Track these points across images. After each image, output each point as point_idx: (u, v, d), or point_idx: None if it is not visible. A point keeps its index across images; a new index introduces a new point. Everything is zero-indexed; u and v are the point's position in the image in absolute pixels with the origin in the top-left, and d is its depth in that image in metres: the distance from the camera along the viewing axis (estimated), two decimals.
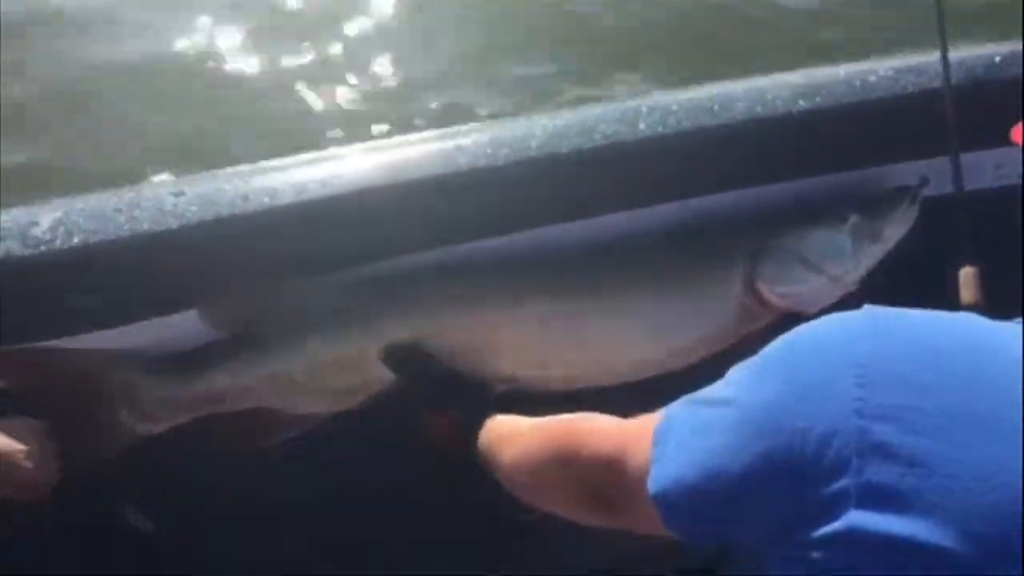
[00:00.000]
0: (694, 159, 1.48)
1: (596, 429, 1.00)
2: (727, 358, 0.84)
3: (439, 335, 1.37)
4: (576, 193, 1.46)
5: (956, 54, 1.51)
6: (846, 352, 0.71)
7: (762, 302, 1.44)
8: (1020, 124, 1.09)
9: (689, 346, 1.45)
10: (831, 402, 0.69)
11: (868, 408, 0.67)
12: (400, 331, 1.37)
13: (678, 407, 0.86)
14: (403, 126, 2.81)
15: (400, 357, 1.36)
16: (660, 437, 0.86)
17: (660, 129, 1.47)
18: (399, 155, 1.43)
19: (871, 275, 1.45)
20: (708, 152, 1.48)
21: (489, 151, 1.41)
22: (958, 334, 0.73)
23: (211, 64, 3.22)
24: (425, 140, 1.46)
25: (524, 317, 1.40)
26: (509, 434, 1.19)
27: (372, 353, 1.36)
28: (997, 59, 1.55)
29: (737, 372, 0.82)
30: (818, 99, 1.50)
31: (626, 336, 1.43)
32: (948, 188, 1.42)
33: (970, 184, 1.42)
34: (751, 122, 1.48)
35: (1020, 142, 1.06)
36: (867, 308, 0.75)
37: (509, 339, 1.40)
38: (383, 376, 1.37)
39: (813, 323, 0.79)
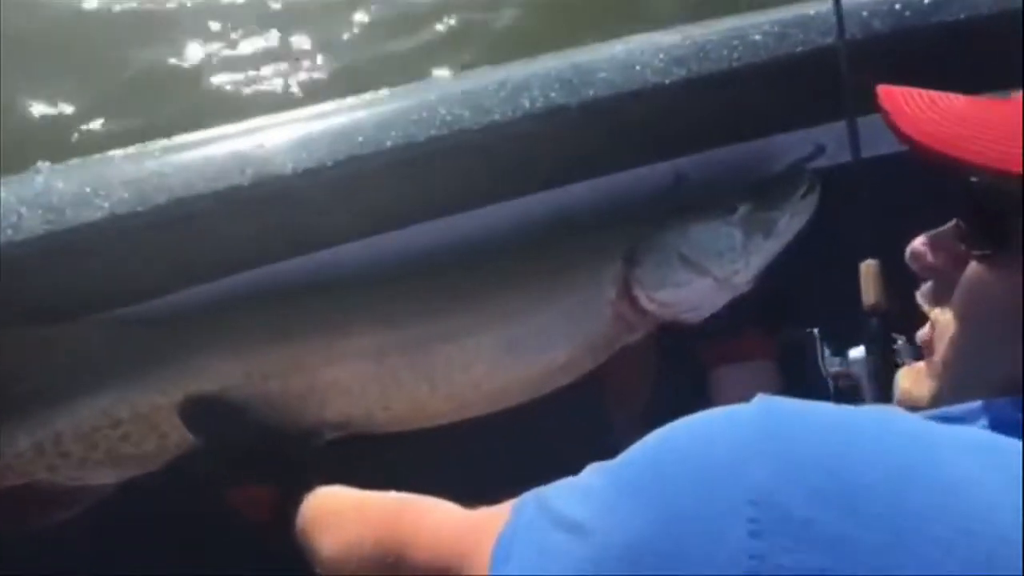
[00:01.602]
0: (552, 143, 1.24)
1: (427, 526, 0.78)
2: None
3: (248, 382, 1.11)
4: (410, 191, 1.20)
5: (851, 1, 1.30)
6: (735, 480, 0.51)
7: (639, 310, 1.23)
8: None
9: (556, 367, 1.23)
10: (716, 554, 0.49)
11: (765, 568, 0.48)
12: (197, 380, 1.10)
13: (528, 510, 0.64)
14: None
15: (198, 413, 1.09)
16: (501, 553, 0.64)
17: (511, 110, 1.22)
18: (174, 161, 1.14)
19: (765, 273, 1.23)
20: (568, 134, 1.24)
21: (297, 151, 1.14)
22: (881, 451, 0.52)
23: None
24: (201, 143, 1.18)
25: (355, 350, 1.15)
26: (329, 517, 0.94)
27: (164, 410, 1.09)
28: (897, 6, 1.33)
29: (597, 478, 0.60)
30: (692, 64, 1.27)
31: (480, 361, 1.19)
32: (846, 156, 1.23)
33: (869, 151, 1.20)
34: (616, 96, 1.24)
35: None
36: (760, 404, 0.57)
37: (338, 379, 1.15)
38: (182, 437, 1.10)
39: (690, 424, 0.58)
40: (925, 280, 0.70)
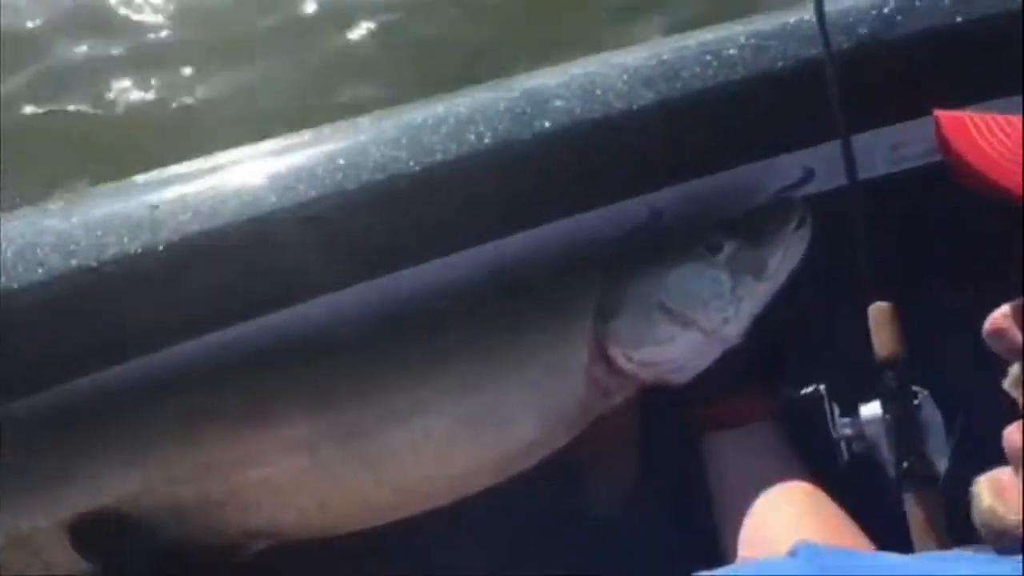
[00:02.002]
0: (504, 184, 1.07)
1: None
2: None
3: (150, 491, 0.92)
4: (339, 249, 1.02)
5: (833, 7, 1.15)
6: None
7: (617, 372, 1.06)
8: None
9: (522, 445, 1.05)
10: None
11: None
12: (85, 493, 0.91)
13: None
14: None
15: (90, 534, 0.90)
16: None
17: (455, 148, 1.05)
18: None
19: (759, 322, 1.06)
20: (522, 172, 1.07)
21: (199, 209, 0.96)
22: None
23: None
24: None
25: (281, 442, 0.97)
26: None
27: (47, 533, 0.90)
28: (886, 9, 1.18)
29: None
30: (661, 85, 1.10)
31: (432, 445, 1.02)
32: (837, 181, 1.10)
33: (865, 172, 1.07)
34: (575, 126, 1.07)
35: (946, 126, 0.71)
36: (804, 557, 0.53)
37: (262, 478, 0.96)
38: (72, 564, 0.91)
39: None
40: (1010, 362, 0.53)
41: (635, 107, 1.09)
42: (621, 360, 1.04)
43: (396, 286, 1.04)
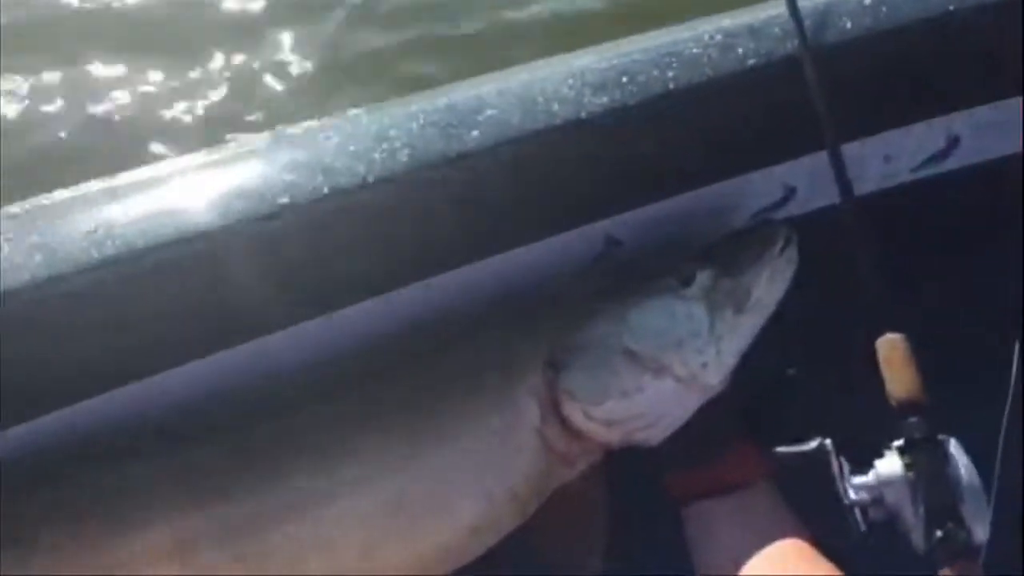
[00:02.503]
0: (426, 210, 0.89)
1: None
2: None
3: None
4: (227, 295, 0.83)
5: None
6: None
7: (574, 433, 0.87)
8: None
9: (464, 529, 0.85)
10: None
11: None
12: None
13: None
14: None
15: None
16: None
17: (364, 170, 0.87)
18: None
19: (744, 364, 0.87)
20: (449, 196, 0.89)
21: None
22: None
23: None
24: None
25: (147, 549, 0.76)
26: None
27: None
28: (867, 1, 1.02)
29: None
30: (614, 91, 0.93)
31: (350, 537, 0.81)
32: (821, 199, 1.02)
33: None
34: (518, 140, 0.90)
35: None
36: None
37: None
38: None
39: None
40: None
41: (584, 116, 0.91)
42: (579, 419, 0.85)
43: (293, 341, 0.85)
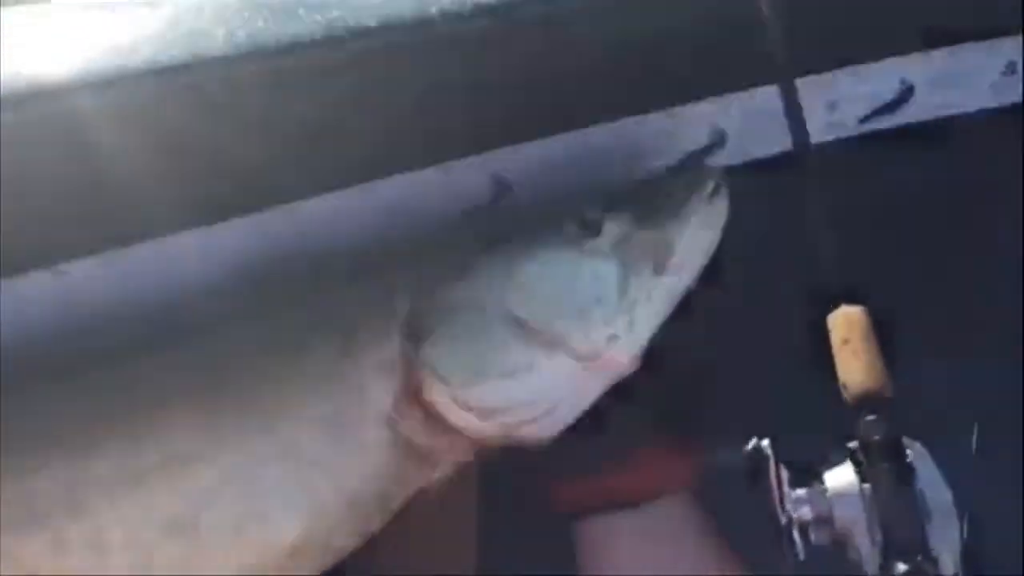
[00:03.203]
0: (258, 111, 0.68)
1: None
2: None
3: None
4: None
5: None
6: None
7: (440, 424, 0.67)
8: None
9: (286, 547, 0.65)
10: None
11: None
12: None
13: None
14: None
15: None
16: None
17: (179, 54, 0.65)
18: None
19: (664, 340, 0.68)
20: (291, 96, 0.69)
21: None
22: None
23: None
24: None
25: None
26: None
27: None
28: None
29: None
30: None
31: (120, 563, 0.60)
32: (757, 148, 0.86)
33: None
34: (370, 34, 0.68)
35: None
36: None
37: None
38: None
39: None
40: None
41: (464, 13, 0.71)
42: (446, 405, 0.66)
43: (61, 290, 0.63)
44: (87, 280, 0.66)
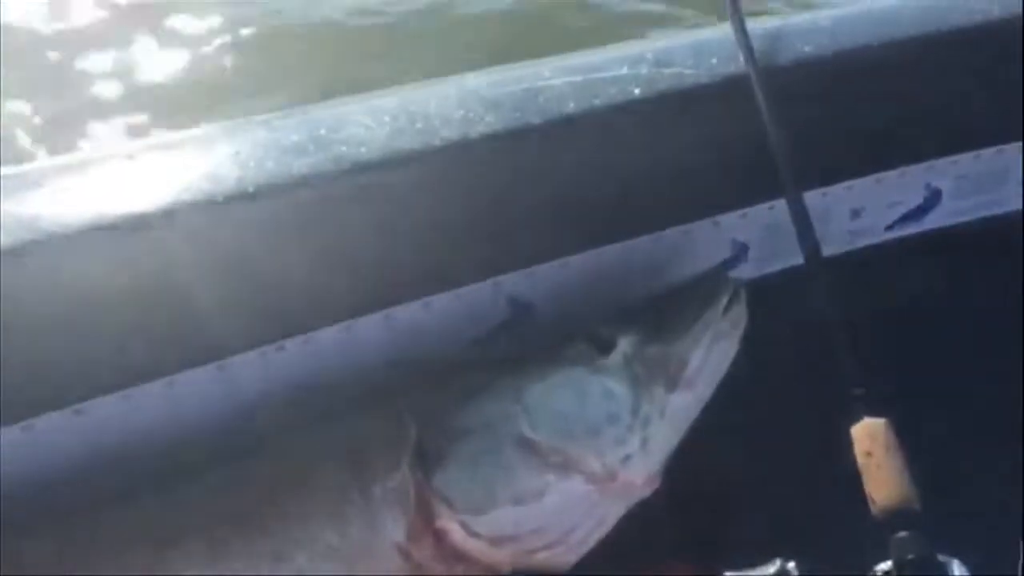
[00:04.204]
0: (271, 252, 0.69)
1: None
2: None
3: None
4: None
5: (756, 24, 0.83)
6: None
7: (452, 552, 0.64)
8: None
9: None
10: None
11: None
12: None
13: None
14: None
15: None
16: None
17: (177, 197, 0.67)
18: None
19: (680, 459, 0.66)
20: (296, 234, 0.69)
21: None
22: None
23: None
24: None
25: None
26: None
27: None
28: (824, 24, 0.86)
29: None
30: (520, 114, 0.74)
31: None
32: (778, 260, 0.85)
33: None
34: (383, 164, 0.69)
35: None
36: None
37: None
38: None
39: None
40: None
41: (473, 136, 0.72)
42: (458, 534, 0.64)
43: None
44: (104, 419, 0.66)
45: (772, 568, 0.62)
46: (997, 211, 0.94)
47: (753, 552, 0.62)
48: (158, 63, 2.30)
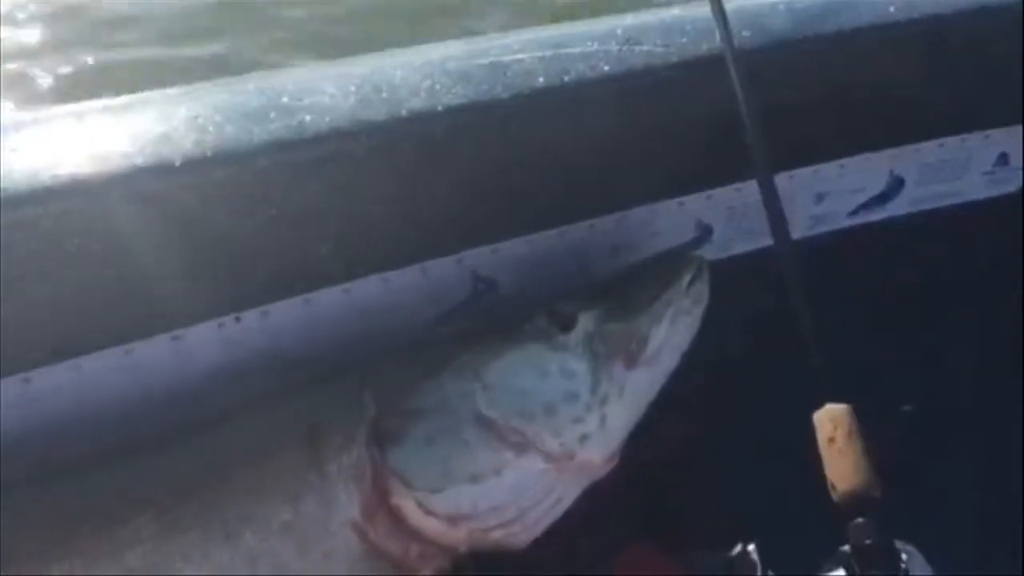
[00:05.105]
0: (230, 218, 0.67)
1: None
2: None
3: None
4: None
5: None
6: None
7: (408, 531, 0.63)
8: None
9: None
10: None
11: None
12: None
13: None
14: None
15: None
16: None
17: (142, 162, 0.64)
18: None
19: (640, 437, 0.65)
20: (260, 201, 0.68)
21: None
22: None
23: None
24: None
25: None
26: None
27: None
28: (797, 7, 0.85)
29: None
30: (485, 84, 0.73)
31: None
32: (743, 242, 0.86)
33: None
34: (347, 134, 0.68)
35: None
36: None
37: None
38: None
39: None
40: None
41: (440, 108, 0.70)
42: (414, 512, 0.63)
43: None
44: (52, 389, 0.65)
45: (733, 551, 0.62)
46: (959, 200, 0.95)
47: (713, 534, 0.62)
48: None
